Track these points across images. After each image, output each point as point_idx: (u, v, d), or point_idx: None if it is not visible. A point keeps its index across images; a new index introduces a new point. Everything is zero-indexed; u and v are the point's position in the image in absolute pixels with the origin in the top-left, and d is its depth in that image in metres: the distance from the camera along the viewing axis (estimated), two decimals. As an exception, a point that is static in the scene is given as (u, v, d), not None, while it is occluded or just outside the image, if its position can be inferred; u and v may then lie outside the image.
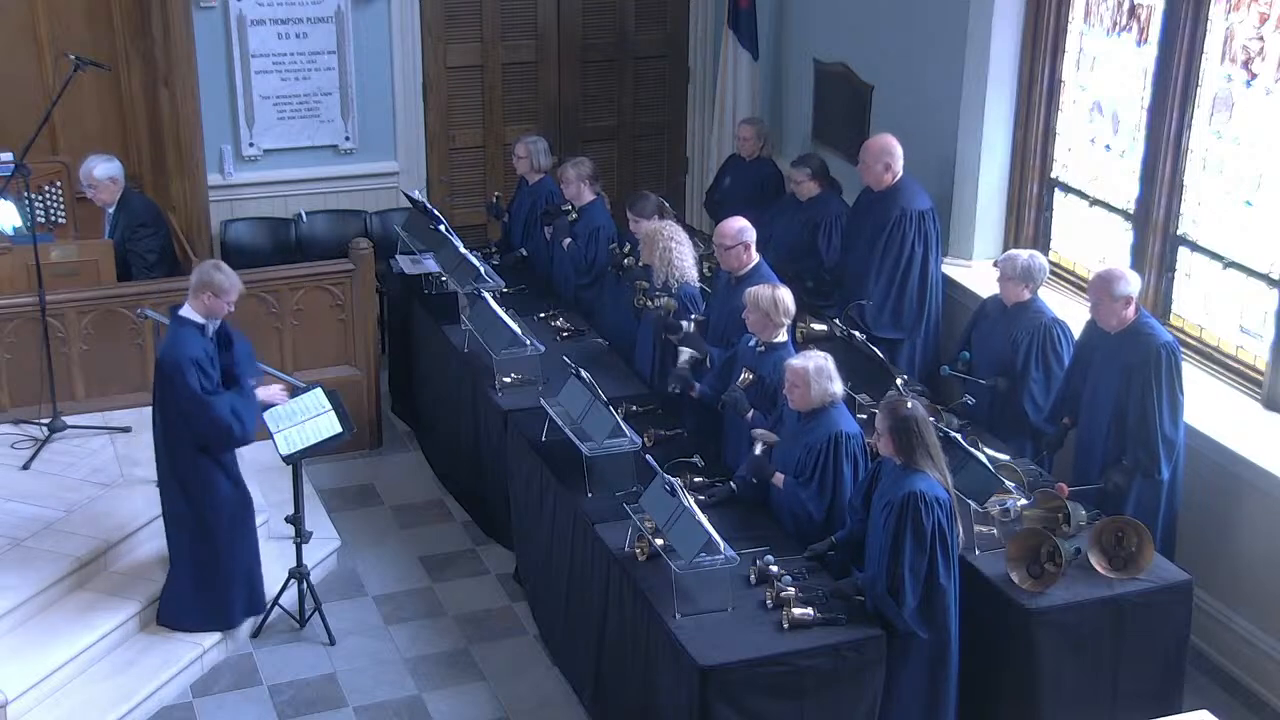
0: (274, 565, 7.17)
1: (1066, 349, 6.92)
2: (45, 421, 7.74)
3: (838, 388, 6.16)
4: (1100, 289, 6.47)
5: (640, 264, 7.84)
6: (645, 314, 7.56)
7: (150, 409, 6.64)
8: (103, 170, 8.31)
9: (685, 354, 7.06)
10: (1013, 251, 7.14)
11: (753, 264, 7.30)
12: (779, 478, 6.25)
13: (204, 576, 6.68)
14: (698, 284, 7.58)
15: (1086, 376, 6.64)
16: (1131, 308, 6.45)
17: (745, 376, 6.66)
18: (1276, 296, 6.78)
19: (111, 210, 8.40)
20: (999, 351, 6.99)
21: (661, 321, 7.38)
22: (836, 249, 8.28)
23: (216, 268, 6.49)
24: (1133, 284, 6.45)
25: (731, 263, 7.32)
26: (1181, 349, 6.58)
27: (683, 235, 7.55)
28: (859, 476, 6.12)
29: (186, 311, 6.46)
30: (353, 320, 8.58)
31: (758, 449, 6.30)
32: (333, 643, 6.99)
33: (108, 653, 6.62)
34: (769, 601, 5.69)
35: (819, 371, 6.11)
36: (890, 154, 7.88)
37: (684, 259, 7.48)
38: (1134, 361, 6.38)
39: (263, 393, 6.71)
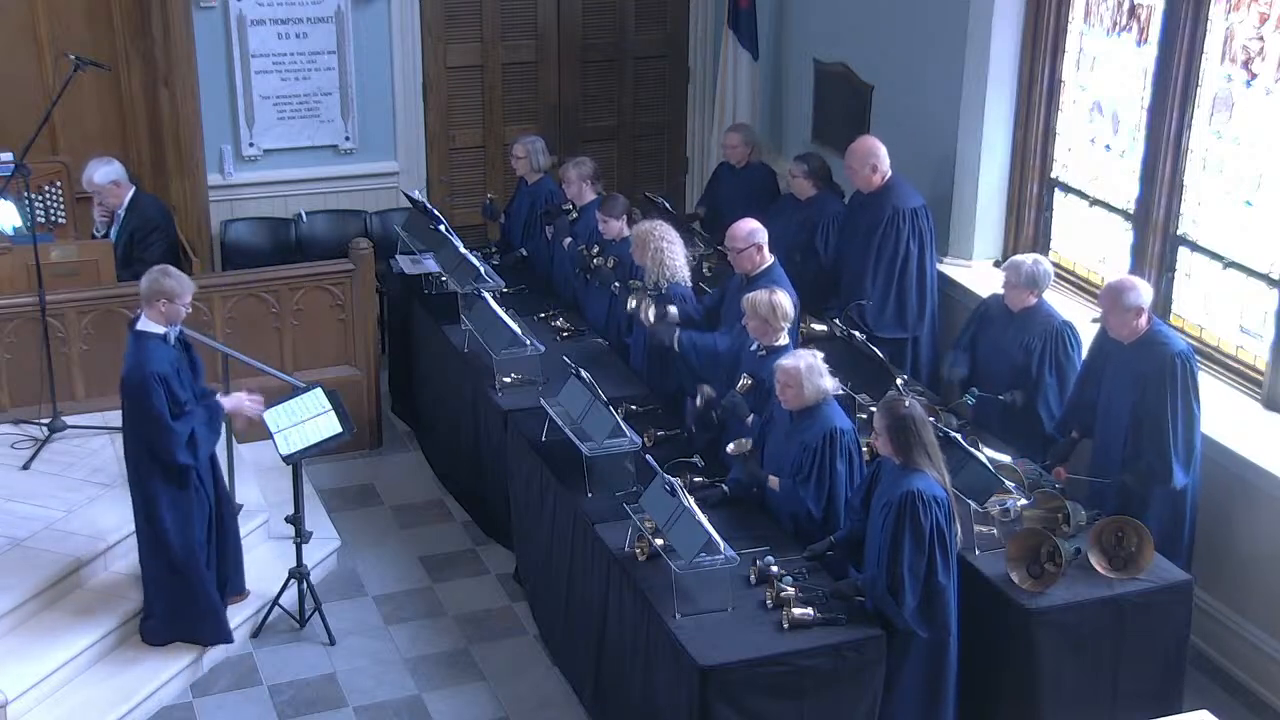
0: (274, 565, 7.18)
1: (1078, 352, 6.90)
2: (45, 421, 7.74)
3: (829, 383, 6.16)
4: (1110, 299, 6.44)
5: (610, 265, 7.87)
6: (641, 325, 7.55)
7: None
8: (102, 175, 8.28)
9: (704, 392, 6.90)
10: (1016, 258, 7.11)
11: (765, 265, 7.30)
12: (773, 481, 6.25)
13: (174, 598, 6.59)
14: (689, 284, 7.59)
15: (1100, 387, 6.61)
16: (1143, 318, 6.40)
17: (744, 382, 6.65)
18: (1276, 296, 6.78)
19: (121, 212, 8.38)
20: (1012, 358, 6.96)
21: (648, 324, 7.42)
22: (834, 250, 8.28)
23: (165, 273, 6.31)
24: (1144, 294, 6.40)
25: (744, 265, 7.32)
26: (1196, 357, 6.52)
27: (674, 235, 7.56)
28: (854, 471, 6.13)
29: (144, 325, 6.30)
30: (353, 320, 8.58)
31: (736, 453, 6.29)
32: (333, 643, 6.99)
33: (108, 652, 6.63)
34: (769, 601, 5.69)
35: (810, 370, 6.11)
36: (875, 155, 7.88)
37: (675, 258, 7.49)
38: (1149, 371, 6.34)
39: (229, 402, 6.60)
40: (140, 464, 6.42)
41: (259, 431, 6.92)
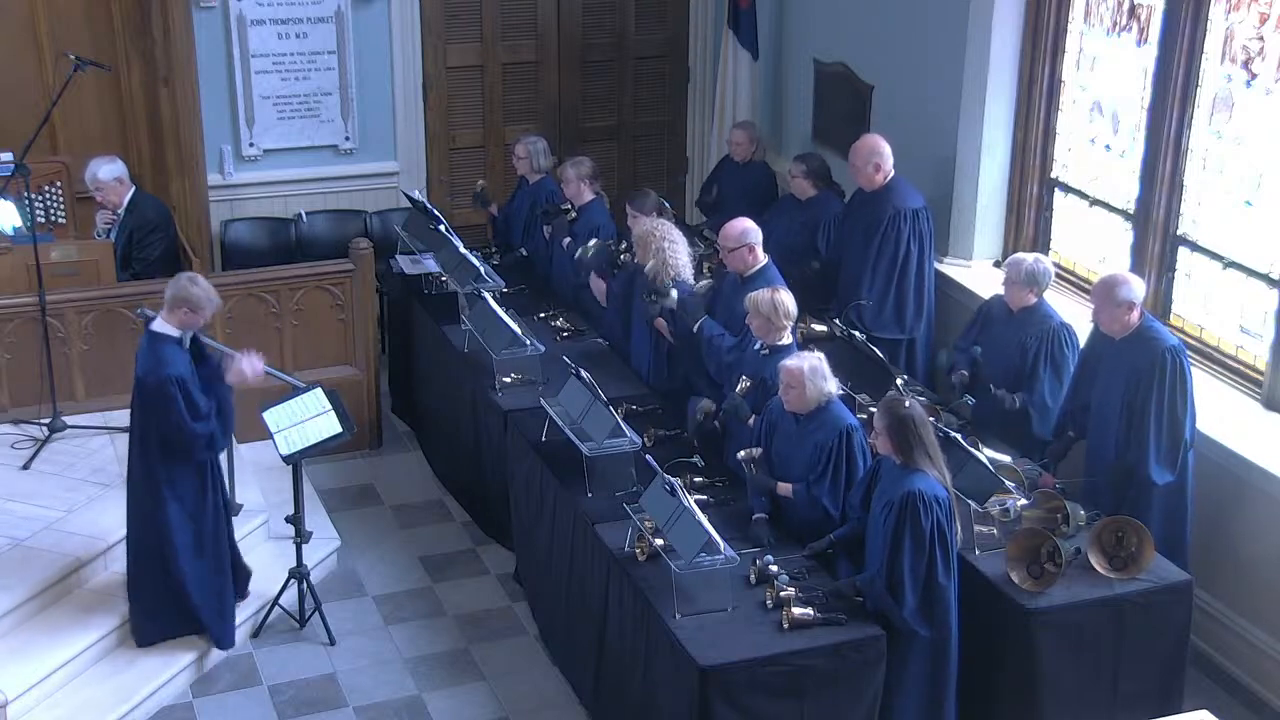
0: (274, 565, 7.18)
1: (1074, 352, 6.89)
2: (45, 421, 7.74)
3: (832, 386, 6.16)
4: (1102, 294, 6.45)
5: (635, 262, 7.86)
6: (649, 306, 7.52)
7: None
8: (107, 171, 8.31)
9: (704, 404, 6.91)
10: (1017, 255, 7.12)
11: (759, 265, 7.29)
12: (784, 487, 6.22)
13: (169, 596, 6.57)
14: (692, 282, 7.58)
15: (1094, 385, 6.61)
16: (1135, 313, 6.42)
17: (744, 384, 6.64)
18: (1276, 296, 6.78)
19: (121, 212, 8.38)
20: (1009, 358, 6.96)
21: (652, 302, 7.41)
22: (835, 249, 8.27)
23: (193, 281, 6.33)
24: (1136, 289, 6.42)
25: (736, 265, 7.31)
26: (1188, 352, 6.53)
27: (677, 234, 7.55)
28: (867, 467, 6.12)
29: (161, 326, 6.31)
30: (353, 320, 8.58)
31: (750, 465, 6.25)
32: (333, 643, 6.99)
33: (108, 652, 6.63)
34: (769, 601, 5.69)
35: (814, 371, 6.11)
36: (879, 154, 7.87)
37: (678, 257, 7.48)
38: (1140, 366, 6.35)
39: (233, 377, 6.47)
40: (151, 461, 6.40)
41: (259, 431, 6.92)
